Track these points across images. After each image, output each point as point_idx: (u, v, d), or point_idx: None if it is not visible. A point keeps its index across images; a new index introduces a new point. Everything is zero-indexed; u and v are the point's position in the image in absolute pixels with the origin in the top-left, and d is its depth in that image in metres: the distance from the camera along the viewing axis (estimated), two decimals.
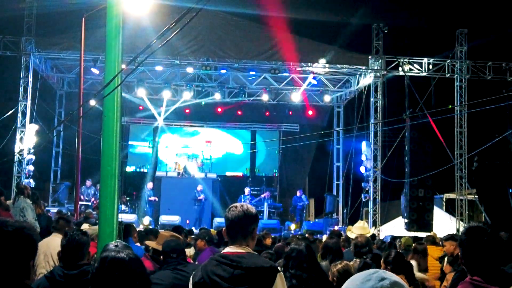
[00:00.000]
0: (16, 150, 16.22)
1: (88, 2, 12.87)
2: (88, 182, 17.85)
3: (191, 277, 3.03)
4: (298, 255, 4.42)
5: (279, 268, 3.12)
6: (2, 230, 2.12)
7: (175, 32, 4.79)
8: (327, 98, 20.57)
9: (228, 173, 22.54)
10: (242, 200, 18.36)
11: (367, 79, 18.24)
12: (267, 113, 21.55)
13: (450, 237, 7.24)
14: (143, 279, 2.31)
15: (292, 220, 19.51)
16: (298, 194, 19.78)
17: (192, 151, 20.83)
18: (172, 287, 4.17)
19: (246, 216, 3.03)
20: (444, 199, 19.87)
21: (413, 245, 7.31)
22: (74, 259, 3.69)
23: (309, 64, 17.99)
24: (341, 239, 7.89)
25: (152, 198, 18.90)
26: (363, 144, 18.10)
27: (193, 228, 14.82)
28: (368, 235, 7.55)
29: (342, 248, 6.73)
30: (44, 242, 6.02)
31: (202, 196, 18.68)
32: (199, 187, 18.79)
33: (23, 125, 16.47)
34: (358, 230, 7.72)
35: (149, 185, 19.02)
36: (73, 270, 3.56)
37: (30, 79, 16.71)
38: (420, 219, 15.89)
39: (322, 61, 17.46)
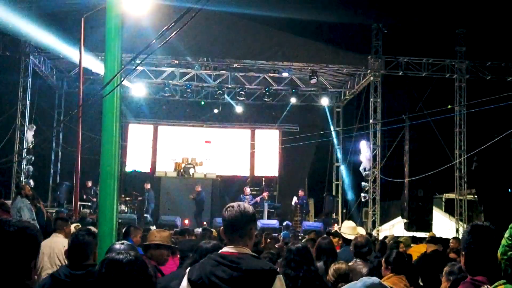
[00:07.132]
0: (16, 150, 16.22)
1: (88, 2, 12.87)
2: (88, 183, 17.83)
3: (186, 273, 2.96)
4: (296, 255, 4.41)
5: (278, 270, 3.10)
6: (4, 230, 2.11)
7: (175, 32, 4.80)
8: (326, 98, 20.56)
9: (228, 173, 22.50)
10: (242, 200, 18.31)
11: (366, 79, 18.26)
12: (267, 113, 21.53)
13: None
14: (142, 280, 2.31)
15: (292, 220, 19.44)
16: (299, 194, 19.52)
17: (192, 151, 20.79)
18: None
19: (243, 216, 2.99)
20: (443, 199, 19.89)
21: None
22: (79, 259, 3.67)
23: (309, 64, 17.99)
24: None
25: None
26: (363, 144, 18.10)
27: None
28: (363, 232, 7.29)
29: (337, 247, 6.64)
30: (46, 243, 6.03)
31: (196, 194, 18.56)
32: (197, 188, 18.69)
33: (23, 125, 16.47)
34: (348, 230, 7.40)
35: (147, 185, 18.93)
36: (79, 270, 3.56)
37: (30, 79, 16.71)
38: (420, 219, 15.92)
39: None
